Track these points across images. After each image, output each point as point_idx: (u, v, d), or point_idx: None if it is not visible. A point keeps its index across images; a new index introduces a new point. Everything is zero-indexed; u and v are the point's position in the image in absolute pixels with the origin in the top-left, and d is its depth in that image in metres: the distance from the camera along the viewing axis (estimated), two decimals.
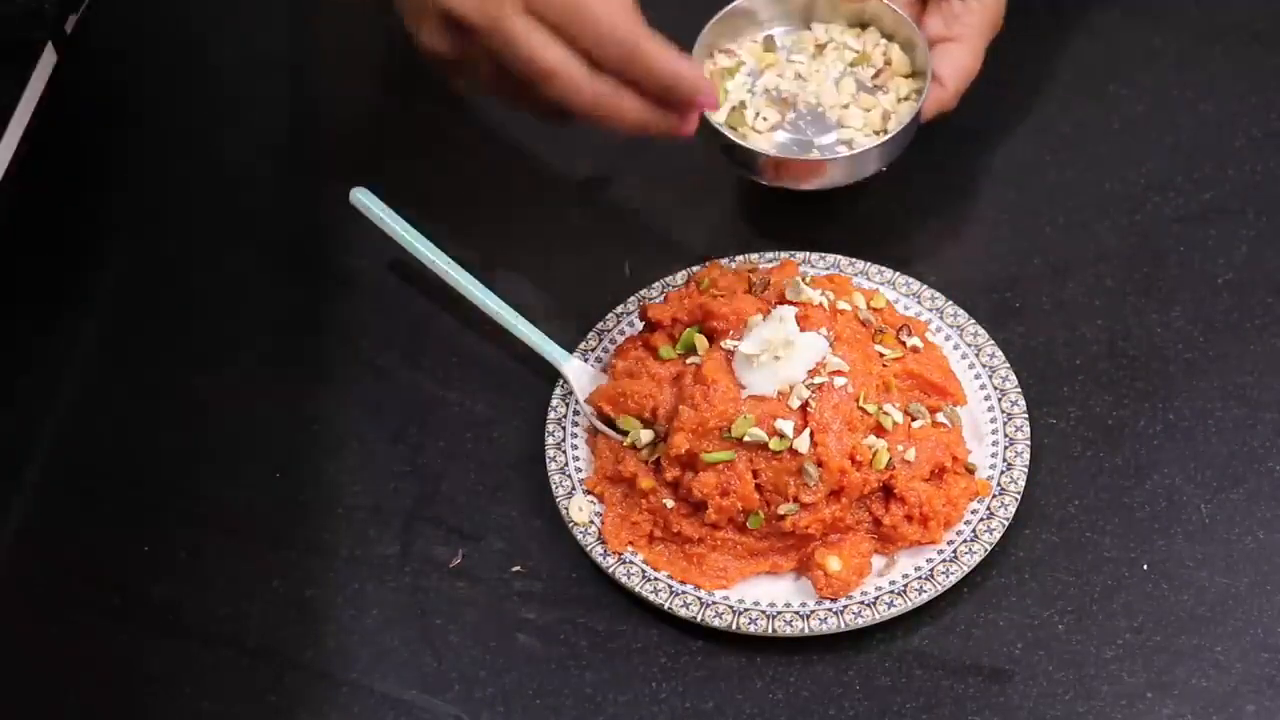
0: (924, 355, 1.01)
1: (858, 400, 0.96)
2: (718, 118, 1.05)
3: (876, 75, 1.07)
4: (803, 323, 0.98)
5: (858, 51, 1.08)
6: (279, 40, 1.26)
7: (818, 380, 0.96)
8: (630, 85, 0.91)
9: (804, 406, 0.95)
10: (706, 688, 0.94)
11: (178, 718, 0.96)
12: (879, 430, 0.96)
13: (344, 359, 1.09)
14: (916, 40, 1.06)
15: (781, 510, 0.95)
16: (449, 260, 1.07)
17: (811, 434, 0.94)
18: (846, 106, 1.07)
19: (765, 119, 1.06)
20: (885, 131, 1.05)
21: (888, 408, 0.96)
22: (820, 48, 1.09)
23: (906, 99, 1.07)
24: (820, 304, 0.99)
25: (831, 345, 0.97)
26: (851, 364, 0.96)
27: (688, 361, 0.99)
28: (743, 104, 1.07)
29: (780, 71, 1.09)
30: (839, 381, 0.96)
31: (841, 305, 1.00)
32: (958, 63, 1.06)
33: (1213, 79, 1.15)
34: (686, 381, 0.97)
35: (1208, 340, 1.04)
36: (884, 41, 1.09)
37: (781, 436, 0.94)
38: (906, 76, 1.08)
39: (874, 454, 0.95)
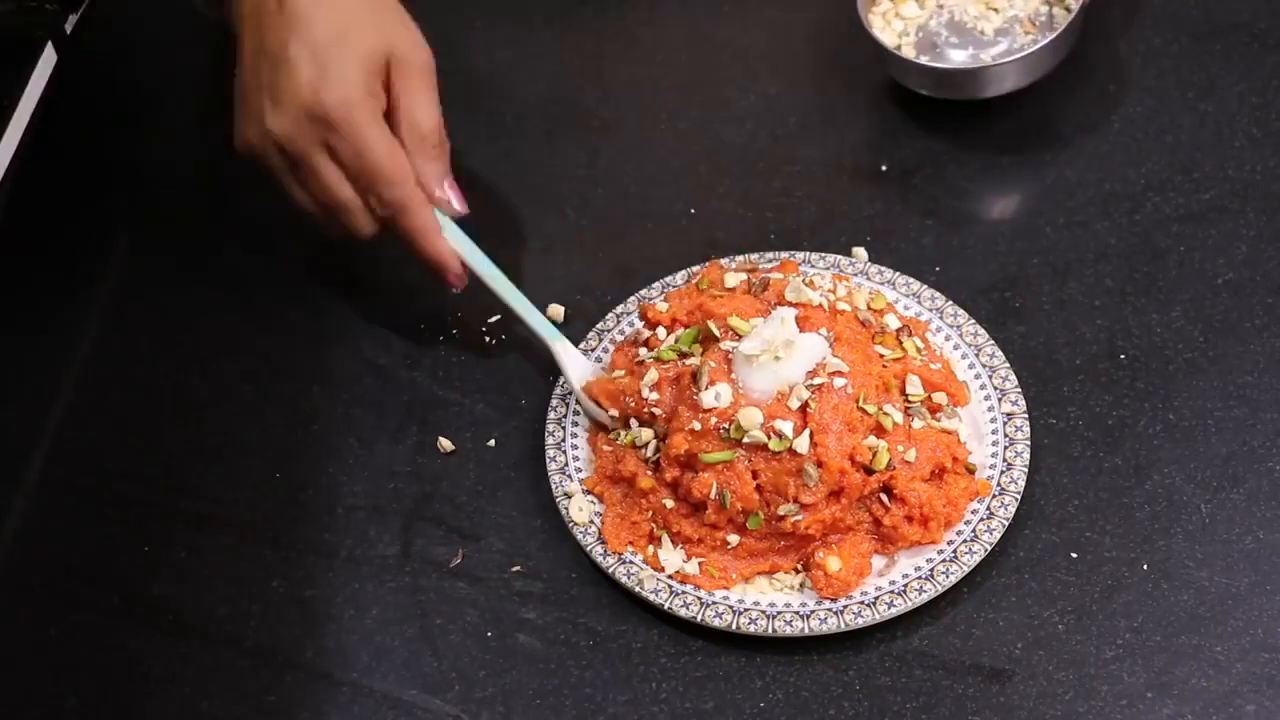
0: (925, 355, 1.01)
1: (857, 401, 0.96)
2: (890, 40, 1.14)
3: None
4: (802, 323, 0.98)
5: None
6: None
7: (817, 381, 0.96)
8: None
9: (804, 407, 0.95)
10: (706, 688, 0.94)
11: (178, 718, 0.96)
12: (879, 430, 0.96)
13: (344, 359, 1.09)
14: None
15: (781, 511, 0.95)
16: (448, 220, 1.05)
17: (811, 434, 0.94)
18: (993, 10, 1.15)
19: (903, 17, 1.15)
20: (1056, 25, 1.12)
21: (887, 408, 0.96)
22: None
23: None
24: (820, 304, 0.99)
25: (831, 345, 0.97)
26: (851, 364, 0.96)
27: (686, 362, 0.99)
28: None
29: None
30: (839, 382, 0.96)
31: (841, 305, 1.00)
32: None
33: (1213, 79, 1.15)
34: (685, 382, 0.97)
35: (1208, 340, 1.04)
36: None
37: (781, 437, 0.94)
38: None
39: (874, 454, 0.95)
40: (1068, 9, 1.13)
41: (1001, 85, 1.12)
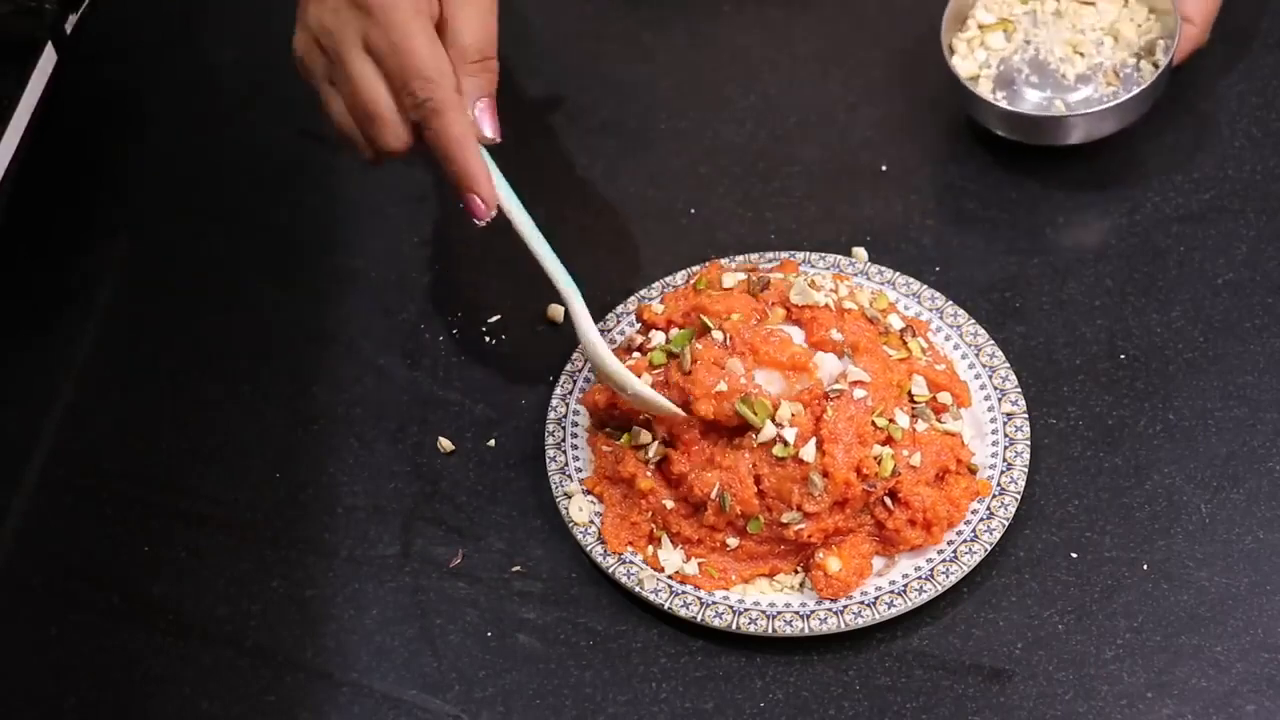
0: (930, 356, 1.00)
1: (873, 414, 0.95)
2: (969, 70, 1.11)
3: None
4: (811, 326, 0.97)
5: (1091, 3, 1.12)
6: (279, 40, 1.26)
7: (837, 388, 0.95)
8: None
9: (819, 414, 0.94)
10: (706, 688, 0.94)
11: (178, 718, 0.96)
12: (886, 440, 0.95)
13: (344, 359, 1.09)
14: None
15: (785, 519, 0.94)
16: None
17: (821, 443, 0.94)
18: (1078, 55, 1.11)
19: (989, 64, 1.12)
20: (1140, 81, 1.09)
21: (896, 414, 0.96)
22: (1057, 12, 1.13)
23: (1141, 54, 1.11)
24: (826, 304, 0.99)
25: (852, 357, 0.96)
26: (873, 375, 0.96)
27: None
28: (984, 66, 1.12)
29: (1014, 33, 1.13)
30: (859, 393, 0.95)
31: (847, 305, 1.00)
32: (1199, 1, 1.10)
33: (1213, 79, 1.15)
34: (675, 378, 0.96)
35: (1208, 340, 1.04)
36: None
37: (785, 444, 0.94)
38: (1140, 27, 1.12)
39: (879, 462, 0.95)
40: (1155, 65, 1.09)
41: (1069, 136, 1.09)
